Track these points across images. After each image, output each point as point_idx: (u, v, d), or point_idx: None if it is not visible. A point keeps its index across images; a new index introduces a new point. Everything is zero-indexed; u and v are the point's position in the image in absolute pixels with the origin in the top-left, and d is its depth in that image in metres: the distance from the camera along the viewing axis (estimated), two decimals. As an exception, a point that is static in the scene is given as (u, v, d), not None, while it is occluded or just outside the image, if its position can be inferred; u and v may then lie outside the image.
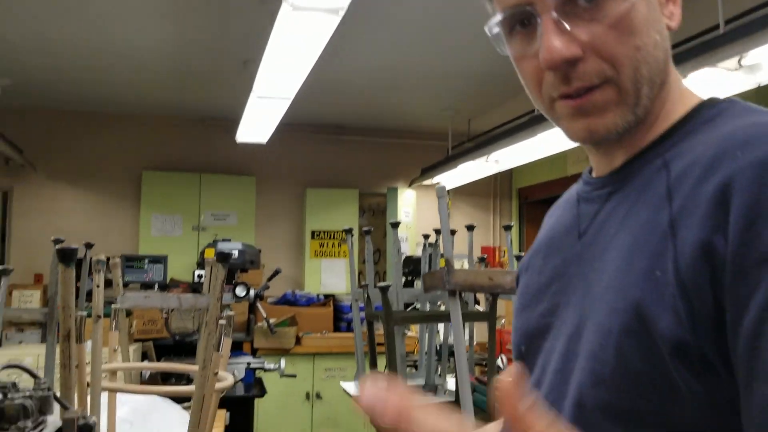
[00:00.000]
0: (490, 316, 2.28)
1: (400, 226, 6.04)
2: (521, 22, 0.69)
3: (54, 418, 0.83)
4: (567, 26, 0.66)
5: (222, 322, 1.64)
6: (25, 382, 1.00)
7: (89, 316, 1.77)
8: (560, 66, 0.67)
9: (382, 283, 2.04)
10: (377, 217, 6.74)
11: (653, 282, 0.60)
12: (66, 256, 1.08)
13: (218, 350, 1.56)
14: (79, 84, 5.14)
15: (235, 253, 4.41)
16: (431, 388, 2.73)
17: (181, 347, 4.26)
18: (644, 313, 0.60)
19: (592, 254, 0.72)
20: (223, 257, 1.40)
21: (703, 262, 0.57)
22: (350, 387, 3.14)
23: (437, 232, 3.08)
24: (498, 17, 0.70)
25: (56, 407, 0.89)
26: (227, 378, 1.83)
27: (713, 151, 0.61)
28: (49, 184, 5.83)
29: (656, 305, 0.59)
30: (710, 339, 0.57)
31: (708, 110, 0.70)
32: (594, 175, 0.79)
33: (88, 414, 0.91)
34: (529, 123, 3.92)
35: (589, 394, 0.65)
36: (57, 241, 2.37)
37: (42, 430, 0.79)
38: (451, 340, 2.92)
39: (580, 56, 0.66)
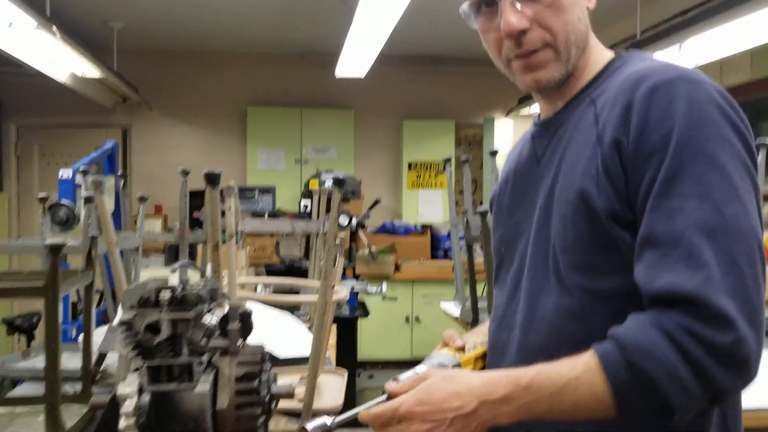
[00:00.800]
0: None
1: (497, 155, 6.07)
2: (486, 3, 0.98)
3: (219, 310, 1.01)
4: (518, 6, 0.94)
5: (336, 242, 1.80)
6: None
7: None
8: (514, 35, 0.95)
9: (481, 208, 2.15)
10: (473, 148, 6.77)
11: (590, 176, 0.90)
12: (212, 179, 1.25)
13: (334, 266, 1.73)
14: (187, 24, 5.40)
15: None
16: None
17: (290, 272, 4.56)
18: (587, 197, 0.89)
19: (548, 171, 1.00)
20: (338, 182, 1.54)
21: (617, 157, 0.87)
22: (449, 307, 3.31)
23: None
24: (468, 1, 0.99)
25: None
26: (342, 291, 2.02)
27: (620, 86, 0.91)
28: (163, 121, 6.22)
29: (593, 191, 0.89)
30: (629, 207, 0.87)
31: (617, 61, 1.00)
32: (542, 118, 1.07)
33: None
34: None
35: (561, 259, 0.93)
36: (184, 172, 2.62)
37: (213, 314, 0.97)
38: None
39: (528, 28, 0.95)
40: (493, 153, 2.68)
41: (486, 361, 1.09)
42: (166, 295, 0.93)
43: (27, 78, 5.06)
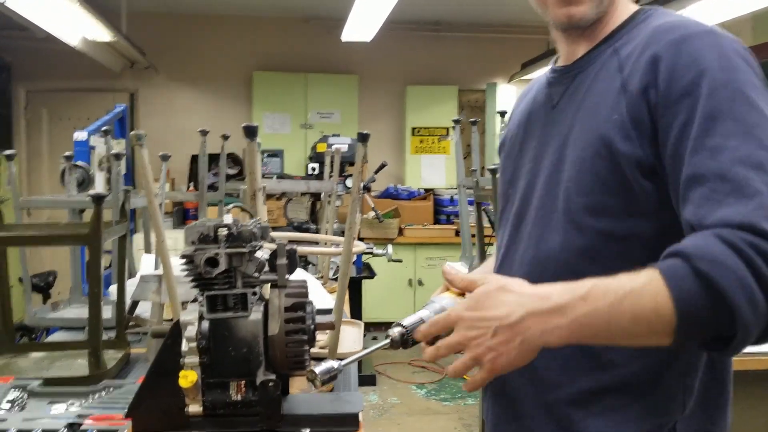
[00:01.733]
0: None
1: (498, 121, 6.14)
2: None
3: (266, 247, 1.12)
4: None
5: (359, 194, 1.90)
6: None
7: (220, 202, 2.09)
8: None
9: (492, 165, 2.23)
10: (476, 114, 6.83)
11: (612, 123, 0.92)
12: (250, 131, 1.35)
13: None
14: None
15: (345, 147, 4.69)
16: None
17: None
18: (608, 143, 0.92)
19: (563, 117, 1.03)
20: (363, 137, 1.63)
21: (644, 103, 0.90)
22: (456, 266, 3.42)
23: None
24: None
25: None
26: (360, 245, 2.12)
27: (647, 37, 0.94)
28: (170, 86, 6.27)
29: (617, 136, 0.91)
30: (654, 155, 0.90)
31: (642, 15, 1.02)
32: (560, 64, 1.10)
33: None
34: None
35: (575, 201, 0.96)
36: (203, 132, 2.70)
37: (262, 249, 1.08)
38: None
39: None
40: (502, 113, 2.74)
41: None
42: (224, 231, 1.03)
43: (36, 42, 5.10)
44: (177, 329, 1.06)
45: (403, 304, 5.89)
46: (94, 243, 1.59)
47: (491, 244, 3.45)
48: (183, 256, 1.04)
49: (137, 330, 2.10)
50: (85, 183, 3.19)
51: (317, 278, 2.93)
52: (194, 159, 5.65)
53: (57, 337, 2.20)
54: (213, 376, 1.05)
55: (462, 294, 1.09)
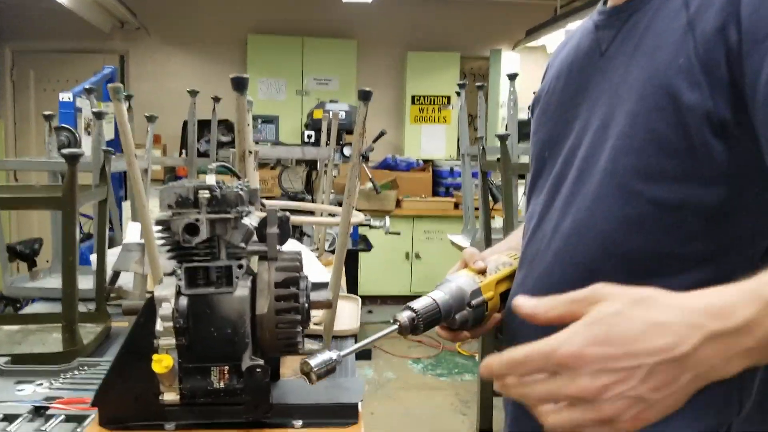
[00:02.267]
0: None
1: (501, 90, 5.97)
2: None
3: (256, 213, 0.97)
4: None
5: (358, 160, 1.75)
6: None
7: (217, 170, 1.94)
8: None
9: (500, 132, 2.09)
10: (479, 82, 6.64)
11: (677, 68, 0.76)
12: (240, 84, 1.20)
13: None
14: (187, -55, 5.19)
15: (342, 114, 4.51)
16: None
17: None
18: (673, 92, 0.76)
19: (614, 65, 0.87)
20: (365, 95, 1.48)
21: (721, 44, 0.73)
22: (458, 239, 3.29)
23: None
24: None
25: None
26: (359, 215, 1.98)
27: None
28: (162, 48, 6.05)
29: (682, 85, 0.75)
30: (728, 107, 0.73)
31: None
32: (609, 5, 0.92)
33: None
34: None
35: (622, 162, 0.81)
36: (192, 92, 2.54)
37: (250, 218, 0.93)
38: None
39: None
40: (512, 76, 2.59)
41: (512, 282, 0.98)
42: (205, 194, 0.89)
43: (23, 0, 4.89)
44: (152, 306, 0.92)
45: (399, 278, 5.78)
46: (67, 207, 1.45)
47: (494, 218, 3.32)
48: (158, 222, 0.90)
49: (119, 302, 1.97)
50: (71, 146, 3.04)
51: (312, 250, 2.80)
52: (186, 124, 5.48)
53: (36, 308, 2.06)
54: (192, 361, 0.91)
55: (482, 272, 0.96)
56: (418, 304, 0.87)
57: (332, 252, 2.98)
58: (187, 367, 0.91)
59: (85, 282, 1.88)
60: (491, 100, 6.07)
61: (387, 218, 4.32)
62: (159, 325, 0.90)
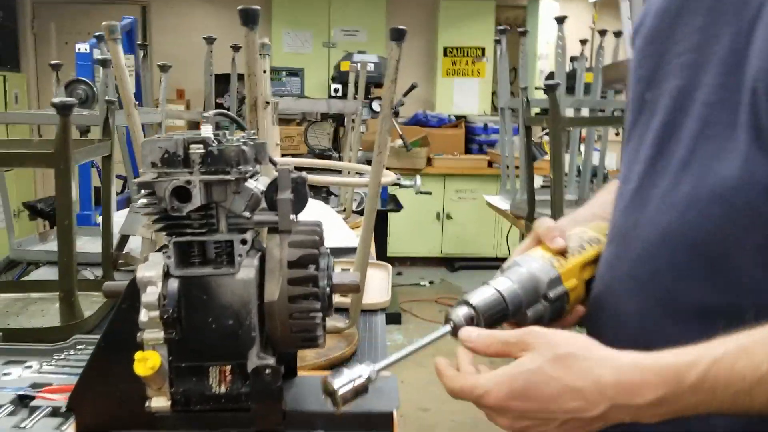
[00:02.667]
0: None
1: (539, 41, 5.64)
2: None
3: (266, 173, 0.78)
4: None
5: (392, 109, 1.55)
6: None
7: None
8: None
9: (549, 81, 1.85)
10: (514, 33, 6.31)
11: None
12: (248, 16, 0.99)
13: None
14: None
15: (371, 66, 4.27)
16: (583, 202, 2.60)
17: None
18: None
19: None
20: (398, 34, 1.27)
21: None
22: (496, 201, 3.08)
23: (583, 43, 2.79)
24: None
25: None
26: (390, 175, 1.78)
27: None
28: (185, 0, 5.82)
29: None
30: None
31: None
32: None
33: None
34: None
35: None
36: (209, 39, 2.34)
37: (257, 180, 0.73)
38: (595, 160, 2.74)
39: None
40: (560, 19, 2.32)
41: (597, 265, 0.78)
42: (198, 149, 0.69)
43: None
44: (136, 288, 0.74)
45: (429, 239, 5.58)
46: (60, 164, 1.27)
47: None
48: (140, 185, 0.71)
49: (131, 268, 1.81)
50: (89, 100, 2.88)
51: (338, 212, 2.62)
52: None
53: (42, 273, 1.91)
54: (185, 359, 0.73)
55: (562, 252, 0.75)
56: (477, 298, 0.68)
57: (360, 213, 2.80)
58: (179, 366, 0.73)
59: (99, 245, 1.71)
60: (528, 52, 5.74)
61: (418, 177, 4.11)
62: (143, 315, 0.71)
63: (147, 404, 0.74)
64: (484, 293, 0.69)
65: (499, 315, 0.69)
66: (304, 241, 0.74)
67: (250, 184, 0.73)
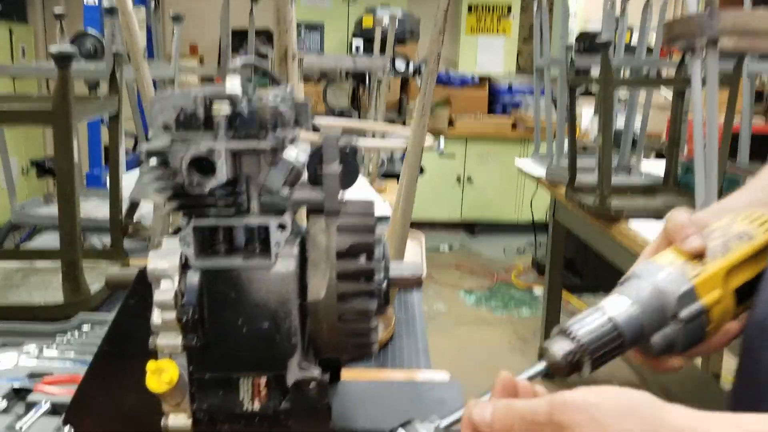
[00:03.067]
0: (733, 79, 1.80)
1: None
2: None
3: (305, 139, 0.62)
4: None
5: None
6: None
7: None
8: None
9: (600, 40, 1.67)
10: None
11: None
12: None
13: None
14: None
15: (397, 18, 4.07)
16: (625, 168, 2.43)
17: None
18: None
19: None
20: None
21: None
22: (528, 165, 2.90)
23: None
24: None
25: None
26: (429, 138, 1.62)
27: None
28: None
29: None
30: None
31: None
32: None
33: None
34: None
35: None
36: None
37: (297, 147, 0.57)
38: (636, 126, 2.56)
39: None
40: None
41: (761, 265, 0.58)
42: (224, 108, 0.54)
43: None
44: (146, 281, 0.59)
45: (449, 203, 5.42)
46: (59, 122, 1.12)
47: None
48: (149, 153, 0.55)
49: (140, 237, 1.68)
50: (98, 54, 2.72)
51: (362, 175, 2.46)
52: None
53: (45, 240, 1.78)
54: (209, 369, 0.59)
55: (700, 255, 0.58)
56: (582, 329, 0.51)
57: (385, 177, 2.64)
58: (202, 378, 0.59)
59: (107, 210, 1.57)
60: (556, 11, 5.49)
61: (441, 138, 3.94)
62: (156, 316, 0.57)
63: (163, 422, 0.60)
64: (591, 320, 0.52)
65: (610, 348, 0.52)
66: (357, 225, 0.59)
67: (290, 153, 0.57)
